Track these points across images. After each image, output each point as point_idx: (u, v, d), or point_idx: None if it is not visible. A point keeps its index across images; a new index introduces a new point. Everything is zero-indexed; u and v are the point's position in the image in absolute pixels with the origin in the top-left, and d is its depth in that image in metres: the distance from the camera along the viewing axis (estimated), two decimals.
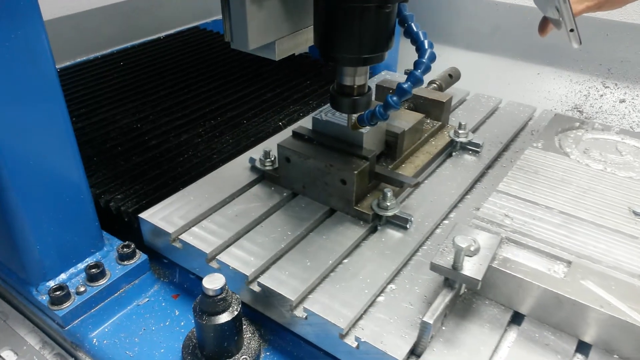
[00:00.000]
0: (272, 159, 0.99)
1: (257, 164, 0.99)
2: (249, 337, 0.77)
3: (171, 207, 0.91)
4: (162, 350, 0.79)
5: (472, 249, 0.69)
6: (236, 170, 1.01)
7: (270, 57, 0.80)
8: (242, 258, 0.81)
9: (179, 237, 0.85)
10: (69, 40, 1.58)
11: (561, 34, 0.88)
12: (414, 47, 0.78)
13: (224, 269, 0.80)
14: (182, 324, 0.83)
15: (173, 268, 0.92)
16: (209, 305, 0.69)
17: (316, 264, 0.79)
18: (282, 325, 0.78)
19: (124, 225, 0.96)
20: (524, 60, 1.71)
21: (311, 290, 0.76)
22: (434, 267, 0.69)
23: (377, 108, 0.81)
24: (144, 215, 0.89)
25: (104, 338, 0.81)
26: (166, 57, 1.58)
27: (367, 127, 0.91)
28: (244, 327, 0.77)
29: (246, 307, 0.80)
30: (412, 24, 0.77)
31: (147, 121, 1.24)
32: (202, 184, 0.97)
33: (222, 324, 0.69)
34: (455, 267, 0.68)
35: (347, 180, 0.87)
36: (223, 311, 0.70)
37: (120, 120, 1.24)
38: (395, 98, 0.77)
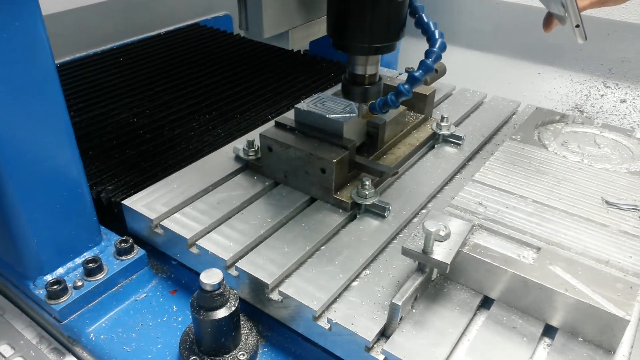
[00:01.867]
0: (255, 148, 1.00)
1: (241, 154, 1.01)
2: (247, 333, 0.77)
3: (154, 194, 0.93)
4: (159, 346, 0.78)
5: (442, 233, 0.71)
6: (221, 159, 1.03)
7: (284, 46, 0.83)
8: (222, 243, 0.82)
9: (160, 223, 0.87)
10: (69, 35, 1.59)
11: (564, 32, 0.87)
12: (425, 38, 0.81)
13: (203, 254, 0.82)
14: (180, 319, 0.83)
15: (171, 263, 0.92)
16: (206, 300, 0.69)
17: (294, 249, 0.81)
18: (280, 322, 0.78)
19: (120, 220, 0.96)
20: (524, 59, 1.72)
21: (288, 275, 0.78)
22: (405, 252, 0.71)
23: (389, 96, 0.83)
24: (126, 202, 0.91)
25: (101, 333, 0.81)
26: (165, 53, 1.60)
27: (347, 116, 0.93)
28: (242, 323, 0.76)
29: (244, 303, 0.80)
30: (423, 15, 0.81)
31: (144, 116, 1.25)
32: (186, 173, 0.99)
33: (220, 319, 0.69)
34: (425, 251, 0.69)
35: (327, 168, 0.88)
36: (220, 306, 0.70)
37: (117, 114, 1.25)
38: (407, 86, 0.80)
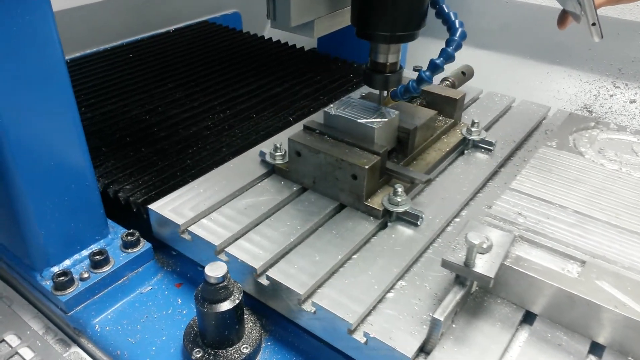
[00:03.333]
0: (282, 152, 0.98)
1: (267, 158, 0.98)
2: (251, 326, 0.77)
3: (181, 198, 0.90)
4: (163, 338, 0.79)
5: (484, 246, 0.68)
6: (246, 163, 1.01)
7: (308, 35, 0.87)
8: (251, 251, 0.80)
9: (188, 228, 0.85)
10: (79, 31, 1.58)
11: (573, 31, 0.86)
12: (445, 27, 0.84)
13: (232, 261, 0.80)
14: (185, 312, 0.83)
15: (177, 257, 0.92)
16: (210, 293, 0.69)
17: (325, 258, 0.78)
18: (284, 316, 0.78)
19: (128, 214, 0.96)
20: (533, 59, 1.70)
21: (320, 285, 0.76)
22: (445, 264, 0.68)
23: (410, 83, 0.86)
24: (153, 206, 0.89)
25: (107, 324, 0.81)
26: (175, 50, 1.58)
27: (379, 121, 0.91)
28: (246, 316, 0.77)
29: (249, 297, 0.80)
30: (444, 5, 0.84)
31: (156, 113, 1.24)
32: (212, 177, 0.97)
33: (224, 312, 0.69)
34: (467, 264, 0.66)
35: (358, 175, 0.86)
36: (224, 299, 0.70)
37: (129, 111, 1.24)
38: (428, 73, 0.82)
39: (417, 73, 0.88)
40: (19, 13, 0.66)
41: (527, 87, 1.67)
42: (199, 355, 0.72)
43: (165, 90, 1.33)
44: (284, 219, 0.87)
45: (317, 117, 1.05)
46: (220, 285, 0.69)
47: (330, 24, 0.89)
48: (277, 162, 0.97)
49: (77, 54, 1.55)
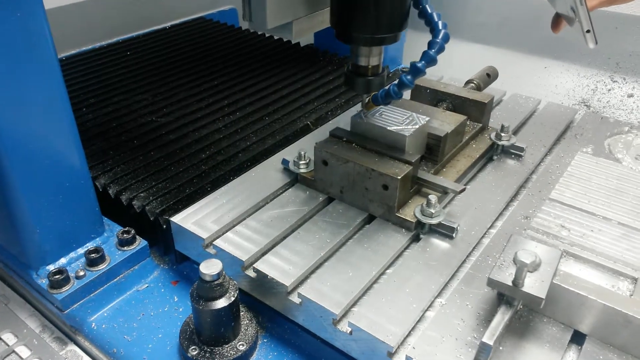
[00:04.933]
0: (307, 161, 0.94)
1: (291, 166, 0.94)
2: (247, 323, 0.76)
3: (203, 210, 0.87)
4: (160, 336, 0.79)
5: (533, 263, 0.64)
6: (268, 172, 0.97)
7: (288, 37, 0.84)
8: (280, 267, 0.76)
9: (213, 242, 0.81)
10: (74, 28, 1.55)
11: (572, 28, 0.85)
12: (429, 29, 0.80)
13: (260, 278, 0.76)
14: (181, 309, 0.83)
15: (172, 255, 0.91)
16: (205, 290, 0.69)
17: (359, 274, 0.75)
18: (280, 313, 0.77)
19: (121, 210, 0.93)
20: (531, 53, 1.68)
21: (354, 303, 0.72)
22: (492, 283, 0.65)
23: (391, 87, 0.82)
24: (175, 219, 0.85)
25: (103, 322, 0.81)
26: (173, 47, 1.54)
27: (410, 129, 0.87)
28: (242, 313, 0.76)
29: (245, 294, 0.80)
30: (427, 6, 0.79)
31: (162, 114, 1.19)
32: (233, 187, 0.93)
33: (219, 309, 0.69)
34: (516, 283, 0.63)
35: (390, 185, 0.82)
36: (220, 297, 0.69)
37: (133, 112, 1.19)
38: (409, 77, 0.79)
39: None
40: (9, 10, 0.64)
41: (525, 81, 1.66)
42: (195, 353, 0.72)
43: (168, 90, 1.29)
44: (312, 232, 0.83)
45: (341, 122, 1.02)
46: (216, 282, 0.68)
47: (309, 25, 0.86)
48: (302, 170, 0.93)
49: (73, 51, 1.51)
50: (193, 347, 0.73)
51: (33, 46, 0.69)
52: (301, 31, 0.85)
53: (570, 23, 0.88)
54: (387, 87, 0.83)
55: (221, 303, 0.69)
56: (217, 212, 0.86)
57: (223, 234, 0.83)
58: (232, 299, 0.70)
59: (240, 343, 0.73)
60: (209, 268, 0.68)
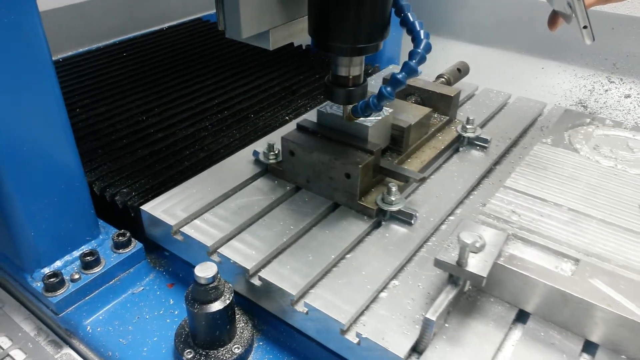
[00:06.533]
0: (276, 152, 0.97)
1: (261, 157, 0.98)
2: (242, 326, 0.77)
3: (173, 199, 0.90)
4: (155, 339, 0.79)
5: (477, 245, 0.67)
6: (240, 163, 1.00)
7: (265, 46, 0.79)
8: (244, 252, 0.79)
9: (180, 229, 0.84)
10: (71, 29, 1.58)
11: (568, 27, 0.86)
12: (410, 38, 0.77)
13: (225, 262, 0.79)
14: (176, 312, 0.83)
15: (169, 257, 0.92)
16: (200, 293, 0.69)
17: (318, 258, 0.78)
18: (275, 316, 0.77)
19: (118, 213, 0.95)
20: (528, 54, 1.69)
21: (313, 285, 0.75)
22: (438, 264, 0.68)
23: (370, 99, 0.80)
24: (145, 207, 0.88)
25: (98, 325, 0.81)
26: (170, 49, 1.57)
27: (372, 120, 0.90)
28: (238, 316, 0.77)
29: (241, 297, 0.80)
30: (409, 14, 0.77)
31: (153, 114, 1.23)
32: (204, 177, 0.96)
33: (214, 312, 0.69)
34: (460, 263, 0.66)
35: (352, 174, 0.85)
36: (215, 300, 0.70)
37: (124, 112, 1.23)
38: (389, 89, 0.76)
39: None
40: (3, 12, 0.65)
41: (522, 82, 1.67)
42: (190, 356, 0.72)
43: (161, 90, 1.33)
44: (277, 219, 0.86)
45: (311, 116, 1.05)
46: (211, 285, 0.69)
47: (288, 33, 0.80)
48: (271, 161, 0.97)
49: (70, 53, 1.54)
50: (188, 350, 0.73)
51: (28, 49, 0.69)
52: (279, 40, 0.80)
53: (567, 20, 0.88)
54: (367, 99, 0.81)
55: (216, 306, 0.69)
56: (187, 201, 0.89)
57: (191, 221, 0.86)
58: (227, 302, 0.70)
59: (236, 346, 0.74)
60: (204, 271, 0.69)
